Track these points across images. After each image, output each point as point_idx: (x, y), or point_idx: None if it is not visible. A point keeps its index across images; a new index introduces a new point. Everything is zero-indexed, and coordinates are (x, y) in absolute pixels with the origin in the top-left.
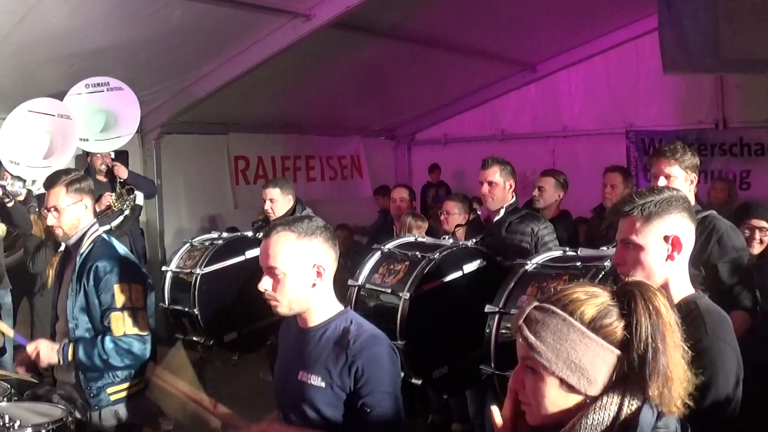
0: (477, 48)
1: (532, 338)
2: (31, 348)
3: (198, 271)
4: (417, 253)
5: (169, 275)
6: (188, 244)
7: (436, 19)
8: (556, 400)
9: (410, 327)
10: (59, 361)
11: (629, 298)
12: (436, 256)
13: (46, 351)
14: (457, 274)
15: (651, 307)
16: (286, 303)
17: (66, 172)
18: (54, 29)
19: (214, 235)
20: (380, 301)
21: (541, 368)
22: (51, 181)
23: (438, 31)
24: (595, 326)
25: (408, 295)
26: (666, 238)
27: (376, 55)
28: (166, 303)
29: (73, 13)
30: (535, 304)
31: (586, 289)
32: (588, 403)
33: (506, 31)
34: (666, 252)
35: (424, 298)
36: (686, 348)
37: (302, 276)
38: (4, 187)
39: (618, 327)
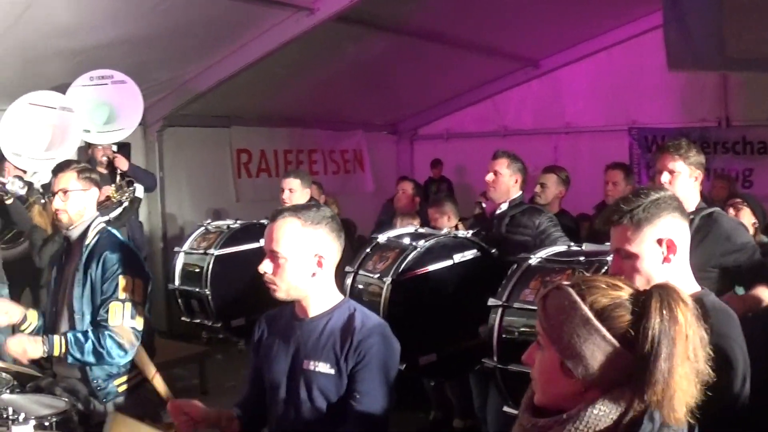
0: (480, 43)
1: (543, 316)
2: (13, 343)
3: (213, 251)
4: (407, 240)
5: (181, 256)
6: (203, 228)
7: (439, 13)
8: (555, 381)
9: (393, 312)
10: (44, 352)
11: (647, 298)
12: (422, 243)
13: (31, 346)
14: (447, 263)
15: (667, 312)
16: (284, 288)
17: (77, 161)
18: (57, 22)
19: (230, 221)
20: (368, 286)
21: (546, 347)
22: (61, 167)
23: (441, 25)
24: (603, 316)
25: (390, 280)
26: (660, 242)
27: (379, 49)
28: (176, 284)
29: (76, 5)
30: (559, 283)
31: (610, 280)
32: (585, 393)
33: (509, 26)
34: (661, 255)
35: (408, 284)
36: (703, 368)
37: (303, 264)
38: (3, 185)
39: (625, 322)
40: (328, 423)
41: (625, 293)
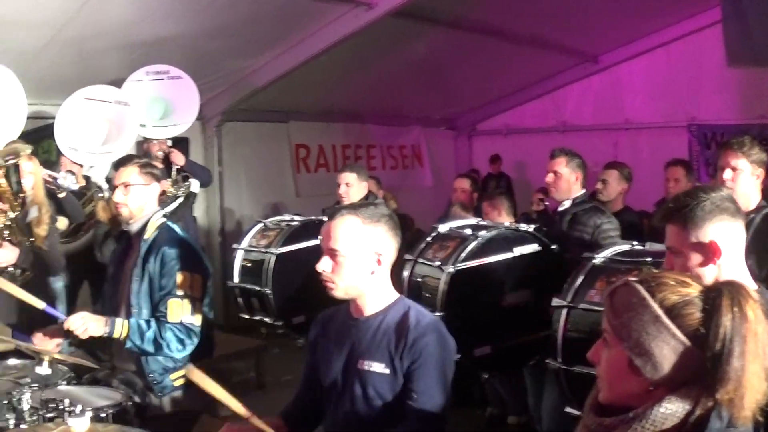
0: (539, 38)
1: (611, 313)
2: (75, 318)
3: (274, 250)
4: (468, 231)
5: (240, 253)
6: (261, 224)
7: (498, 8)
8: (622, 379)
9: (450, 301)
10: (104, 333)
11: (717, 295)
12: (483, 234)
13: (93, 324)
14: (507, 256)
15: (737, 309)
16: (343, 286)
17: (139, 156)
18: (113, 17)
19: (287, 217)
20: (427, 274)
21: (613, 344)
22: (123, 161)
23: (500, 20)
24: (673, 314)
25: (451, 269)
26: (703, 245)
27: (437, 44)
28: (236, 281)
29: (133, 1)
30: (627, 279)
31: (679, 277)
32: (653, 391)
33: (569, 21)
34: (707, 257)
35: (468, 274)
36: None
37: (362, 261)
38: (55, 179)
39: (696, 320)
40: (382, 422)
41: (694, 290)
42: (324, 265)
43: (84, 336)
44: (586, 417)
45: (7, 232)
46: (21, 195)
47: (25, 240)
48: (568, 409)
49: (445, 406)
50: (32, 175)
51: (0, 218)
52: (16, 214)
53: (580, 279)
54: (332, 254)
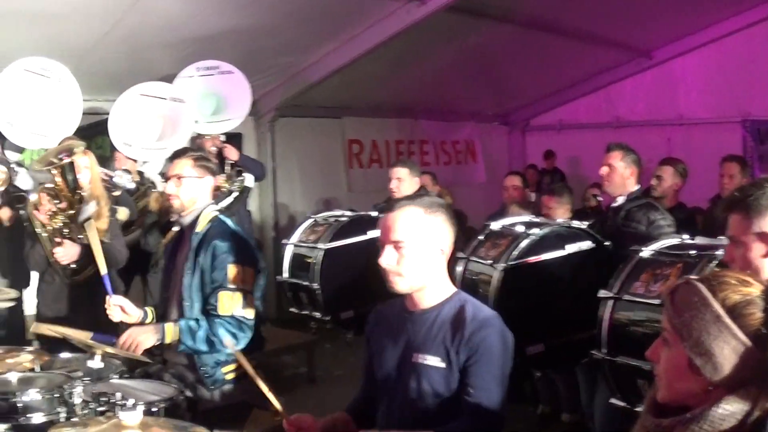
0: (592, 33)
1: (671, 312)
2: (124, 338)
3: (322, 246)
4: (521, 229)
5: (290, 249)
6: (311, 220)
7: (551, 3)
8: (681, 379)
9: (503, 299)
10: (156, 341)
11: None
12: (536, 231)
13: (143, 336)
14: (559, 253)
15: None
16: (407, 278)
17: (195, 149)
18: (165, 14)
19: (337, 212)
20: (480, 272)
21: (673, 343)
22: (179, 153)
23: (553, 15)
24: (734, 313)
25: (502, 266)
26: (763, 235)
27: (489, 39)
28: (285, 276)
29: None
30: (688, 277)
31: (740, 276)
32: (711, 391)
33: (622, 16)
34: (765, 249)
35: (521, 271)
36: None
37: (426, 253)
38: (111, 177)
39: (757, 320)
40: (437, 417)
41: (756, 289)
42: (388, 258)
43: (138, 351)
44: (643, 418)
45: (67, 230)
46: (78, 191)
47: (85, 236)
48: (613, 401)
49: (502, 401)
50: (88, 170)
51: (58, 216)
52: (74, 211)
53: (626, 271)
54: (396, 246)
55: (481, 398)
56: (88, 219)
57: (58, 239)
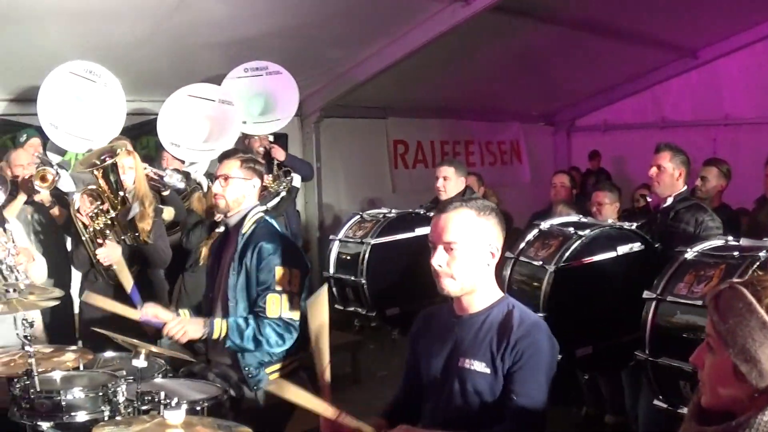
0: (637, 33)
1: (716, 317)
2: (173, 324)
3: (369, 241)
4: (572, 229)
5: (336, 244)
6: (358, 216)
7: (596, 3)
8: (726, 385)
9: (553, 301)
10: (203, 335)
11: None
12: (587, 233)
13: (191, 327)
14: (610, 255)
15: None
16: (459, 280)
17: (244, 151)
18: (212, 14)
19: (385, 210)
20: (530, 273)
21: (718, 349)
22: (227, 154)
23: (598, 15)
24: None
25: (554, 268)
26: None
27: (534, 39)
28: (331, 272)
29: None
30: (731, 282)
31: None
32: (757, 398)
33: (667, 16)
34: None
35: (571, 273)
36: None
37: (478, 254)
38: (161, 177)
39: None
40: (480, 422)
41: None
42: (439, 259)
43: (184, 340)
44: (687, 424)
45: (108, 231)
46: (121, 193)
47: (128, 237)
48: (655, 402)
49: (545, 407)
50: (133, 170)
51: (100, 218)
52: (117, 212)
53: (670, 272)
54: (448, 247)
55: (524, 404)
56: (132, 219)
57: (100, 240)
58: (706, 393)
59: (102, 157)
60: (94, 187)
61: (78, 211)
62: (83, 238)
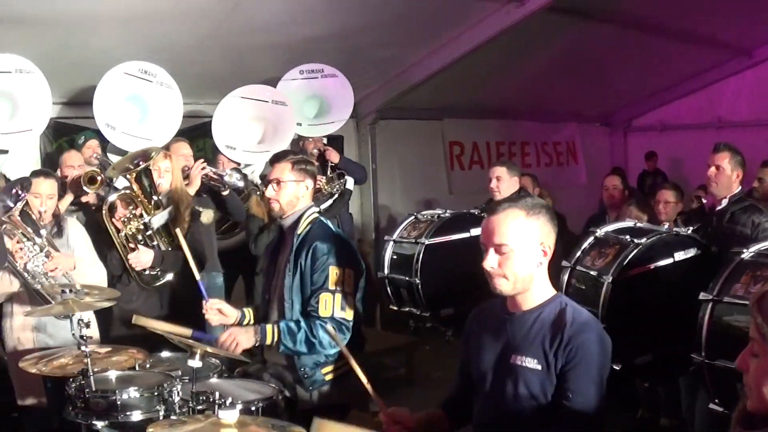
0: (692, 32)
1: (759, 319)
2: (224, 337)
3: (424, 241)
4: (628, 237)
5: (390, 245)
6: (413, 217)
7: (651, 2)
8: None
9: (612, 311)
10: (256, 342)
11: None
12: (644, 241)
13: (243, 337)
14: (667, 261)
15: None
16: (511, 281)
17: (294, 152)
18: (267, 17)
19: (440, 210)
20: (587, 283)
21: (762, 352)
22: (278, 157)
23: (653, 15)
24: None
25: (611, 278)
26: None
27: (589, 39)
28: (386, 272)
29: (286, 0)
30: None
31: None
32: None
33: (722, 15)
34: None
35: (630, 282)
36: None
37: (530, 254)
38: (221, 177)
39: None
40: (531, 419)
41: None
42: (491, 262)
43: (238, 351)
44: (733, 429)
45: (140, 236)
46: (155, 197)
47: (162, 242)
48: (711, 406)
49: (601, 406)
50: (169, 173)
51: (133, 222)
52: (150, 216)
53: (726, 273)
54: (498, 249)
55: (579, 403)
56: (164, 225)
57: (132, 245)
58: (752, 397)
59: (135, 161)
60: (127, 191)
61: (112, 215)
62: (116, 242)
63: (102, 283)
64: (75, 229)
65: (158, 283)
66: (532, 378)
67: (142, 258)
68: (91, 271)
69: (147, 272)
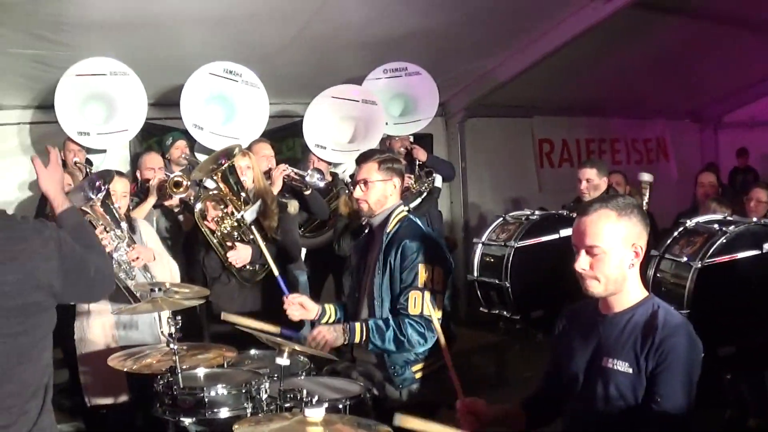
0: None
1: None
2: (313, 335)
3: (513, 244)
4: (716, 226)
5: (479, 248)
6: (501, 218)
7: None
8: None
9: (697, 298)
10: (345, 341)
11: None
12: (732, 229)
13: (332, 336)
14: (755, 252)
15: None
16: (603, 282)
17: (380, 151)
18: (352, 16)
19: (527, 211)
20: (674, 270)
21: None
22: (365, 156)
23: (739, 9)
24: None
25: (699, 264)
26: None
27: (678, 34)
28: (475, 275)
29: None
30: None
31: None
32: None
33: None
34: None
35: (716, 270)
36: None
37: (622, 255)
38: (303, 177)
39: None
40: (621, 422)
41: None
42: (583, 263)
43: (326, 349)
44: None
45: (236, 233)
46: (243, 194)
47: (256, 236)
48: None
49: (690, 410)
50: (250, 169)
51: (226, 221)
52: (241, 213)
53: None
54: (590, 251)
55: (668, 407)
56: (255, 219)
57: (229, 243)
58: None
59: (219, 162)
60: (215, 192)
61: (204, 218)
62: (213, 243)
63: (177, 278)
64: (146, 228)
65: (258, 278)
66: (624, 381)
67: (241, 254)
68: (171, 264)
69: (247, 268)
